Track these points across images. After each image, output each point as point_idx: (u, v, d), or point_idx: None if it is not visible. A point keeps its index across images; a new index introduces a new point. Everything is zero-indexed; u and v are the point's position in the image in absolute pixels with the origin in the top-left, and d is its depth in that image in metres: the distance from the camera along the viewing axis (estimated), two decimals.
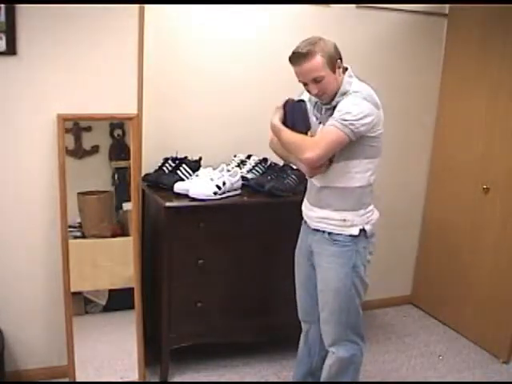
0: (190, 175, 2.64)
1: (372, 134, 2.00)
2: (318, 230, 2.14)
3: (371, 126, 1.98)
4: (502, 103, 2.96)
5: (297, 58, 1.97)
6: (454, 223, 3.31)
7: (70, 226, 2.46)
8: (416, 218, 3.59)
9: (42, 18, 2.26)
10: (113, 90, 2.45)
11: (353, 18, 3.05)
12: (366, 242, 2.12)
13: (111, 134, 2.56)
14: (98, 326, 2.62)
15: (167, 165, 2.69)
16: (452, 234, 3.33)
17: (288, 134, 2.05)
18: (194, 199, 2.49)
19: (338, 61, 2.00)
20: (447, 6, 3.29)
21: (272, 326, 2.76)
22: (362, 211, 2.09)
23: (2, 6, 2.18)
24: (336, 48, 2.01)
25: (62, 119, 2.35)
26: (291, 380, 2.54)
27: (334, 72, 1.99)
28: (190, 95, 2.80)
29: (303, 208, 2.26)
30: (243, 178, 2.71)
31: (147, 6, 2.44)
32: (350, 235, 2.07)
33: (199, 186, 2.51)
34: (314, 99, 2.14)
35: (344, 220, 2.07)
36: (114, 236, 2.59)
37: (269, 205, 2.63)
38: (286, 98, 2.10)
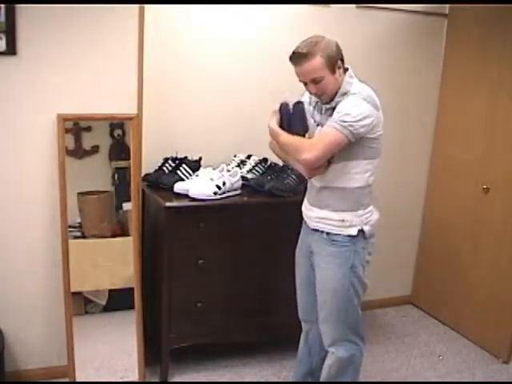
0: (190, 175, 2.64)
1: (372, 136, 2.01)
2: (316, 230, 2.15)
3: (371, 128, 1.98)
4: (502, 103, 2.96)
5: (297, 58, 1.97)
6: (454, 223, 3.31)
7: (70, 226, 2.46)
8: (416, 218, 3.59)
9: (42, 18, 2.26)
10: (113, 90, 2.45)
11: (353, 18, 3.05)
12: (365, 243, 2.12)
13: (111, 134, 2.56)
14: (98, 326, 2.62)
15: (167, 165, 2.69)
16: (452, 234, 3.34)
17: (286, 137, 2.06)
18: (194, 199, 2.49)
19: (339, 61, 2.00)
20: (447, 5, 3.29)
21: (272, 326, 2.76)
22: (360, 212, 2.09)
23: (2, 6, 2.19)
24: (337, 48, 2.00)
25: (62, 119, 2.35)
26: (291, 380, 2.55)
27: (334, 73, 1.99)
28: (190, 95, 2.80)
29: (303, 208, 2.26)
30: (243, 178, 2.71)
31: (147, 6, 2.44)
32: (349, 235, 2.07)
33: (199, 186, 2.51)
34: (314, 99, 2.14)
35: (343, 220, 2.07)
36: (114, 236, 2.59)
37: (269, 205, 2.63)
38: (282, 101, 2.11)
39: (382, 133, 2.06)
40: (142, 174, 2.64)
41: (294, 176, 2.67)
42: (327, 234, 2.11)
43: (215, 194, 2.51)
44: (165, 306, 2.53)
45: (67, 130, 2.42)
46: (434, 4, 3.24)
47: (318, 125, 2.12)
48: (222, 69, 2.82)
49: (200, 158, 2.76)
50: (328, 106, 2.06)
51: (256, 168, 2.81)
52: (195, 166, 2.70)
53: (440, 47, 3.35)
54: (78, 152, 2.50)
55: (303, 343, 2.41)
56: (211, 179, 2.54)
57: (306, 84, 2.03)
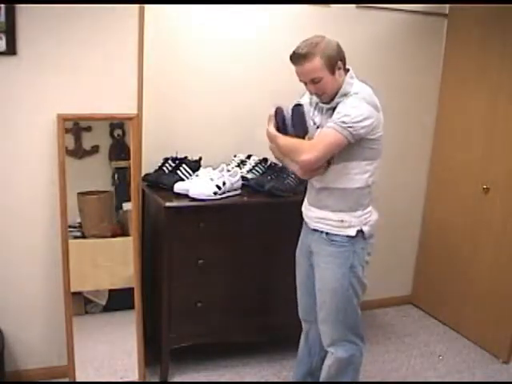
0: (190, 175, 2.64)
1: (372, 137, 2.01)
2: (316, 230, 2.15)
3: (371, 129, 1.98)
4: (502, 103, 2.96)
5: (296, 58, 1.98)
6: (454, 223, 3.31)
7: (70, 226, 2.46)
8: (416, 218, 3.59)
9: (42, 18, 2.26)
10: (113, 90, 2.45)
11: (353, 18, 3.05)
12: (364, 243, 2.12)
13: (111, 134, 2.56)
14: (98, 326, 2.62)
15: (167, 165, 2.69)
16: (452, 234, 3.34)
17: (284, 139, 2.07)
18: (194, 199, 2.49)
19: (339, 62, 2.00)
20: (447, 5, 3.29)
21: (272, 326, 2.76)
22: (359, 212, 2.09)
23: (2, 6, 2.18)
24: (338, 48, 2.00)
25: (62, 119, 2.35)
26: (291, 380, 2.55)
27: (333, 73, 1.99)
28: (190, 95, 2.80)
29: (303, 209, 2.27)
30: (243, 178, 2.71)
31: (147, 6, 2.44)
32: (347, 236, 2.08)
33: (199, 186, 2.51)
34: (315, 100, 2.15)
35: (341, 221, 2.08)
36: (114, 236, 2.59)
37: (269, 205, 2.63)
38: (277, 106, 2.11)
39: (383, 134, 2.06)
40: (142, 174, 2.64)
41: (293, 176, 2.67)
42: (326, 234, 2.11)
43: (215, 194, 2.51)
44: (165, 306, 2.53)
45: (67, 130, 2.42)
46: (434, 4, 3.24)
47: (317, 127, 2.13)
48: (222, 69, 2.82)
49: (200, 158, 2.76)
50: (328, 107, 2.06)
51: (256, 168, 2.81)
52: (195, 166, 2.70)
53: (440, 47, 3.35)
54: (78, 152, 2.50)
55: (303, 343, 2.41)
56: (211, 179, 2.54)
57: (306, 84, 2.03)
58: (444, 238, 3.41)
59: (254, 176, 2.77)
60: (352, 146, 1.98)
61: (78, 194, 2.50)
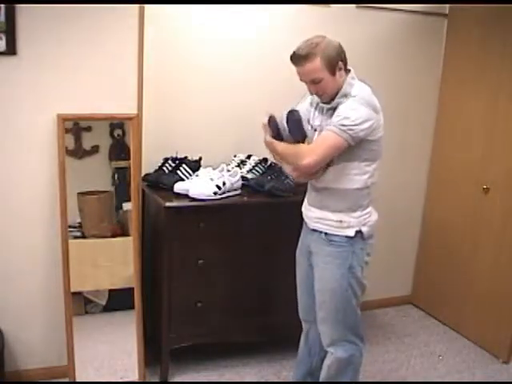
0: (190, 175, 2.64)
1: (372, 138, 2.01)
2: (315, 231, 2.15)
3: (370, 131, 1.98)
4: (501, 103, 2.96)
5: (297, 59, 1.98)
6: (454, 223, 3.31)
7: (70, 226, 2.46)
8: (416, 218, 3.59)
9: (42, 18, 2.26)
10: (113, 90, 2.45)
11: (352, 18, 3.05)
12: (364, 244, 2.12)
13: (111, 134, 2.56)
14: (98, 326, 2.62)
15: (167, 165, 2.69)
16: (452, 234, 3.33)
17: (283, 146, 2.09)
18: (194, 199, 2.49)
19: (339, 63, 1.99)
20: (447, 5, 3.29)
21: (272, 326, 2.76)
22: (358, 213, 2.09)
23: (2, 6, 2.19)
24: (339, 48, 2.00)
25: (62, 119, 2.35)
26: (291, 380, 2.55)
27: (333, 74, 1.99)
28: (190, 95, 2.79)
29: (303, 209, 2.27)
30: (243, 178, 2.71)
31: (147, 6, 2.44)
32: (346, 236, 2.08)
33: (199, 186, 2.51)
34: (316, 100, 2.15)
35: (340, 221, 2.08)
36: (114, 236, 2.59)
37: (269, 205, 2.63)
38: (269, 115, 2.11)
39: (383, 135, 2.06)
40: (142, 174, 2.64)
41: None
42: (325, 234, 2.11)
43: (215, 193, 2.51)
44: (165, 306, 2.53)
45: (67, 130, 2.42)
46: (434, 4, 3.24)
47: (315, 130, 2.13)
48: (222, 69, 2.82)
49: (200, 158, 2.76)
50: (328, 107, 2.06)
51: (256, 168, 2.81)
52: (195, 166, 2.70)
53: (440, 47, 3.35)
54: (78, 152, 2.50)
55: (303, 343, 2.41)
56: (211, 179, 2.54)
57: (306, 83, 2.03)
58: (444, 238, 3.41)
59: (253, 176, 2.77)
60: (352, 147, 1.98)
61: (78, 193, 2.50)
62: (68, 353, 2.45)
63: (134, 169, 2.51)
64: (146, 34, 2.46)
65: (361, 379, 2.32)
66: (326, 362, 2.22)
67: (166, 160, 2.71)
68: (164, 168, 2.69)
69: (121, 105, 2.46)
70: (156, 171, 2.70)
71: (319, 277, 2.15)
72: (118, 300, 2.62)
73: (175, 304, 2.54)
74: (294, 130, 2.08)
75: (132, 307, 2.54)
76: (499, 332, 3.02)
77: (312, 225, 2.17)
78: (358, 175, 2.05)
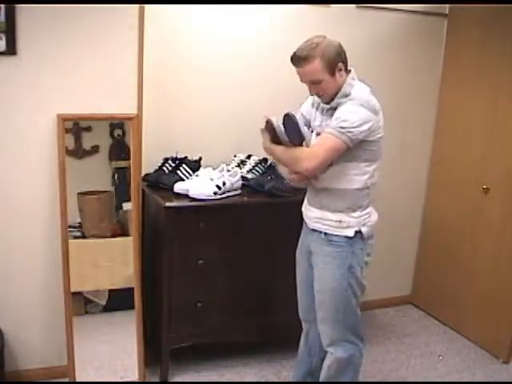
0: (190, 175, 2.64)
1: (371, 139, 2.01)
2: (315, 231, 2.15)
3: (370, 132, 1.98)
4: (501, 103, 2.96)
5: (296, 60, 1.98)
6: (454, 223, 3.31)
7: (70, 226, 2.46)
8: (416, 218, 3.59)
9: (42, 18, 2.26)
10: (113, 90, 2.45)
11: (352, 18, 3.05)
12: (363, 244, 2.12)
13: (111, 134, 2.56)
14: (98, 326, 2.62)
15: (167, 165, 2.69)
16: (452, 234, 3.33)
17: (282, 150, 2.07)
18: (194, 199, 2.49)
19: (339, 64, 1.99)
20: (447, 5, 3.29)
21: (272, 326, 2.76)
22: (357, 213, 2.09)
23: (2, 6, 2.19)
24: (339, 49, 2.00)
25: (62, 119, 2.35)
26: (291, 380, 2.55)
27: (333, 75, 1.99)
28: (190, 95, 2.80)
29: (303, 209, 2.27)
30: (243, 178, 2.71)
31: (147, 6, 2.44)
32: (346, 236, 2.08)
33: (199, 186, 2.51)
34: (317, 100, 2.15)
35: (340, 221, 2.08)
36: (114, 236, 2.59)
37: (269, 205, 2.63)
38: (266, 119, 2.09)
39: (383, 135, 2.06)
40: (142, 174, 2.64)
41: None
42: (325, 234, 2.11)
43: (215, 193, 2.51)
44: (165, 306, 2.53)
45: (67, 130, 2.42)
46: (434, 4, 3.24)
47: (314, 132, 2.13)
48: (222, 69, 2.82)
49: (200, 158, 2.76)
50: (328, 107, 2.07)
51: (256, 168, 2.81)
52: (195, 166, 2.70)
53: (440, 47, 3.35)
54: (78, 152, 2.50)
55: (304, 343, 2.41)
56: (211, 179, 2.54)
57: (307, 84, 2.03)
58: (444, 238, 3.41)
59: (253, 176, 2.77)
60: (352, 148, 1.98)
61: (78, 194, 2.50)
62: (68, 353, 2.45)
63: (134, 169, 2.51)
64: (146, 34, 2.46)
65: (361, 379, 2.32)
66: (326, 362, 2.22)
67: (166, 160, 2.71)
68: (164, 168, 2.69)
69: (121, 105, 2.46)
70: (156, 171, 2.70)
71: (319, 277, 2.16)
72: (117, 300, 2.62)
73: (175, 304, 2.54)
74: (291, 132, 2.06)
75: (132, 307, 2.54)
76: (499, 332, 3.02)
77: (312, 225, 2.17)
78: (357, 175, 2.05)
